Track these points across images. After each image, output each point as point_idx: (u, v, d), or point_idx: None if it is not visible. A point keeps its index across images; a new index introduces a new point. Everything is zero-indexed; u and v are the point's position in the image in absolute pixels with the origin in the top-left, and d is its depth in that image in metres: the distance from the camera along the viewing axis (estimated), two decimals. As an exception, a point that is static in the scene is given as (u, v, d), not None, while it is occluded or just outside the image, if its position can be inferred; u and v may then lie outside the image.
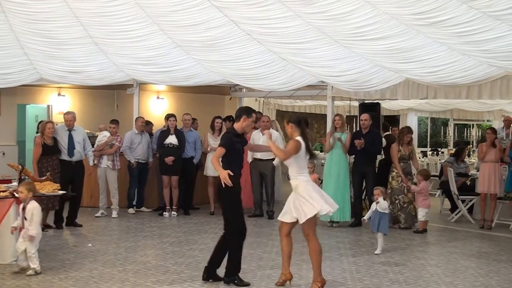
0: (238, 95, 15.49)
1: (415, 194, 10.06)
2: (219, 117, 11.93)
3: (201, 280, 6.56)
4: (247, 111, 6.56)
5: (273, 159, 11.10)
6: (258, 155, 10.90)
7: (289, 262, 6.49)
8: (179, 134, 11.28)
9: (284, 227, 6.44)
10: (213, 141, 11.44)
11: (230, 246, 6.41)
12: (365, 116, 10.59)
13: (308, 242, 6.32)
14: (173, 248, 8.30)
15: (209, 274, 6.52)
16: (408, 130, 10.84)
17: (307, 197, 6.12)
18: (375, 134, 10.66)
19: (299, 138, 6.25)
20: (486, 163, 10.57)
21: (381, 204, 8.23)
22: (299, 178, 6.21)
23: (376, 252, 8.19)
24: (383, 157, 11.85)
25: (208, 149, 11.49)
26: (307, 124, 6.46)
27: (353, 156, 10.73)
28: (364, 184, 10.79)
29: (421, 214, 9.86)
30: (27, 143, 14.55)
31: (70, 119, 10.02)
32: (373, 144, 10.36)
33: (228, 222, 6.42)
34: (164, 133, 11.31)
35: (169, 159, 11.07)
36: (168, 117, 11.38)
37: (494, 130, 10.94)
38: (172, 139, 11.17)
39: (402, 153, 10.35)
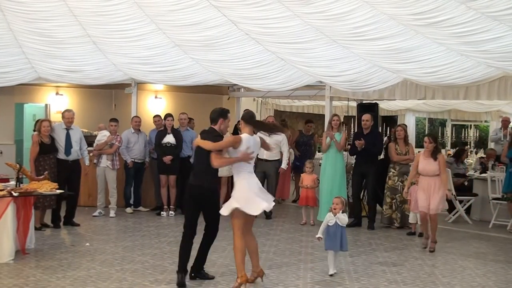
0: (236, 95, 15.49)
1: (411, 196, 9.92)
2: None
3: (199, 279, 6.56)
4: (223, 113, 6.55)
5: (277, 160, 11.14)
6: (264, 156, 10.84)
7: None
8: (176, 133, 11.28)
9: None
10: None
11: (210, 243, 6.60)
12: (366, 116, 10.55)
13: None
14: (170, 248, 8.28)
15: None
16: (398, 125, 10.91)
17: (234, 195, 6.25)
18: (376, 134, 10.67)
19: (244, 135, 6.30)
20: (424, 177, 8.62)
21: (340, 218, 6.93)
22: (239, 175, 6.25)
23: (330, 273, 6.94)
24: (381, 157, 11.85)
25: None
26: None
27: (354, 156, 10.75)
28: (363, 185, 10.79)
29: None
30: (25, 142, 14.52)
31: (71, 116, 10.02)
32: (374, 145, 10.36)
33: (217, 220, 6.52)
34: (162, 132, 11.30)
35: (167, 158, 11.06)
36: (165, 116, 11.38)
37: (434, 138, 8.73)
38: (169, 139, 11.17)
39: (398, 151, 10.35)
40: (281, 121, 14.37)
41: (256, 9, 9.98)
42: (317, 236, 7.06)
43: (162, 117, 11.62)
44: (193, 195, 6.42)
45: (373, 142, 10.34)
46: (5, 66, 11.84)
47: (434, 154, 8.56)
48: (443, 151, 19.76)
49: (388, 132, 13.26)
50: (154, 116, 12.05)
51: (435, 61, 9.99)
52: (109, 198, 10.96)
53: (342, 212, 6.97)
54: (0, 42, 11.27)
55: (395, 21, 9.29)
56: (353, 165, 10.93)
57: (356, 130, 12.03)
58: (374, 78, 11.23)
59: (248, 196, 6.16)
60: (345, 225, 6.98)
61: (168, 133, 11.20)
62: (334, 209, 6.98)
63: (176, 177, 11.20)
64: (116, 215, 10.87)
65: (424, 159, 8.61)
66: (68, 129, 9.94)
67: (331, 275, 6.87)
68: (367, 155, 10.38)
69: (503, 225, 10.63)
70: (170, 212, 11.20)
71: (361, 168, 10.48)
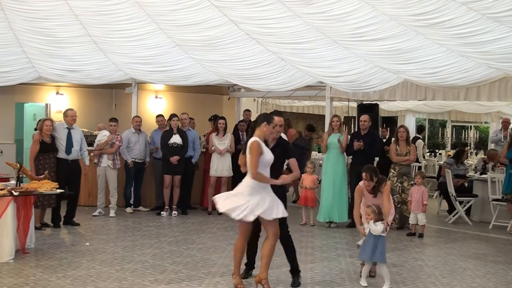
0: (236, 95, 15.49)
1: (411, 197, 9.92)
2: (222, 117, 11.89)
3: (199, 279, 6.57)
4: (267, 118, 6.23)
5: None
6: None
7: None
8: (182, 133, 11.26)
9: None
10: (218, 142, 11.47)
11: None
12: (365, 117, 10.54)
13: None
14: (170, 248, 8.29)
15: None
16: (401, 126, 10.93)
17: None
18: (374, 135, 10.65)
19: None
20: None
21: (372, 228, 6.51)
22: None
23: (361, 284, 6.60)
24: (379, 159, 11.85)
25: (213, 149, 11.48)
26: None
27: (351, 156, 10.74)
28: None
29: (421, 218, 9.75)
30: (25, 141, 14.51)
31: (74, 114, 10.04)
32: (371, 146, 10.35)
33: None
34: (168, 133, 11.28)
35: (174, 159, 11.03)
36: (170, 117, 11.36)
37: (372, 173, 7.01)
38: (176, 139, 11.15)
39: (398, 152, 10.35)
40: (285, 120, 14.30)
41: (257, 9, 9.99)
42: (357, 242, 6.92)
43: (165, 118, 11.63)
44: None
45: (371, 143, 10.32)
46: (5, 66, 11.83)
47: (376, 190, 7.06)
48: (442, 152, 19.91)
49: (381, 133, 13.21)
50: (157, 116, 12.00)
51: (436, 62, 10.00)
52: (110, 198, 10.96)
53: (375, 222, 6.50)
54: (1, 41, 11.26)
55: (396, 22, 9.30)
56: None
57: (355, 131, 12.02)
58: (374, 79, 11.23)
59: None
60: (381, 235, 6.49)
61: (174, 133, 11.19)
62: (366, 219, 6.64)
63: (178, 177, 11.21)
64: (116, 215, 10.87)
65: (368, 194, 7.12)
66: (69, 128, 9.95)
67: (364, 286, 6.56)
68: (364, 156, 10.36)
69: (503, 226, 10.63)
70: (174, 212, 11.20)
71: (357, 168, 10.43)
